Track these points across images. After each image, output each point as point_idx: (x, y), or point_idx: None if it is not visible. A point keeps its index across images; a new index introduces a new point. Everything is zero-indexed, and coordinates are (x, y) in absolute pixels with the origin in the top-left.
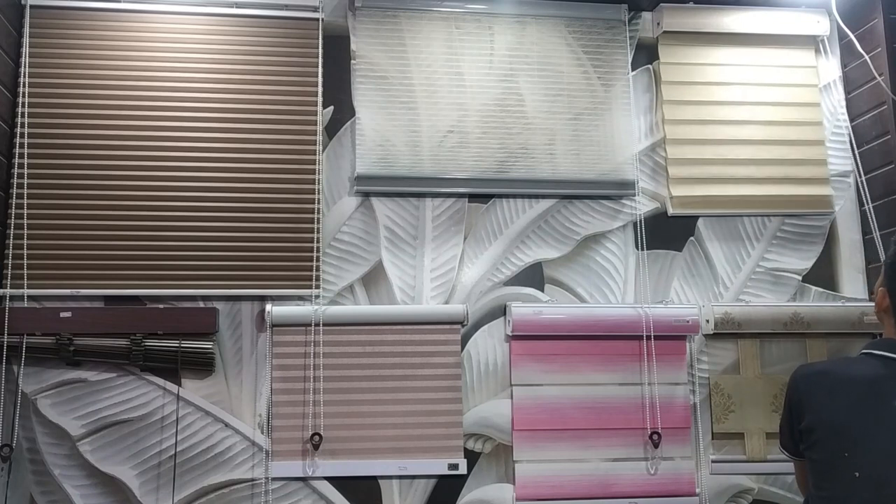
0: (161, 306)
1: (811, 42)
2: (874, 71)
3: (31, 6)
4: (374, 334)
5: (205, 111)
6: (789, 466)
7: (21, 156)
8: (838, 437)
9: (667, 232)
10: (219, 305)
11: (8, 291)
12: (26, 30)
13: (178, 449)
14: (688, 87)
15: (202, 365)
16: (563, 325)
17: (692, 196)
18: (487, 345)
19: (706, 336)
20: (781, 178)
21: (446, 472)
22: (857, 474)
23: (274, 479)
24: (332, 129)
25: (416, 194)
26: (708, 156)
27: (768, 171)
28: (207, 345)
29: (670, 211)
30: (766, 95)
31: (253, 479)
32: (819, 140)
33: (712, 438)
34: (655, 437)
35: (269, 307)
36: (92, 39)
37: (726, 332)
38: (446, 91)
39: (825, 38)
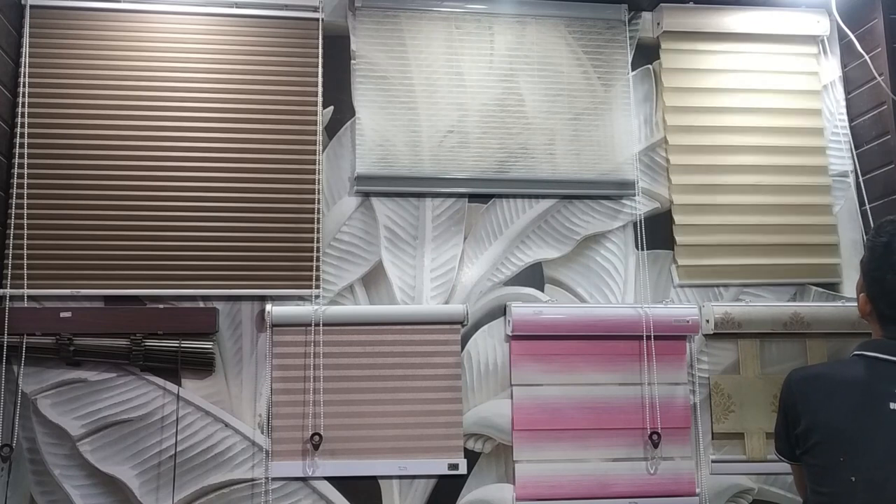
0: (161, 306)
1: (811, 42)
2: (874, 71)
3: (31, 6)
4: (374, 334)
5: (205, 111)
6: (789, 467)
7: (21, 156)
8: (835, 441)
9: (667, 232)
10: (219, 305)
11: (8, 291)
12: (26, 30)
13: (178, 449)
14: (689, 94)
15: (202, 365)
16: (563, 325)
17: (698, 266)
18: (487, 345)
19: (706, 336)
20: (791, 244)
21: (446, 472)
22: (853, 478)
23: (274, 479)
24: (332, 129)
25: (416, 194)
26: (714, 214)
27: (777, 238)
28: (207, 345)
29: (676, 281)
30: (767, 102)
31: (253, 479)
32: (827, 205)
33: (712, 438)
34: (655, 437)
35: (269, 307)
36: (92, 39)
37: (726, 332)
38: (446, 91)
39: (825, 38)
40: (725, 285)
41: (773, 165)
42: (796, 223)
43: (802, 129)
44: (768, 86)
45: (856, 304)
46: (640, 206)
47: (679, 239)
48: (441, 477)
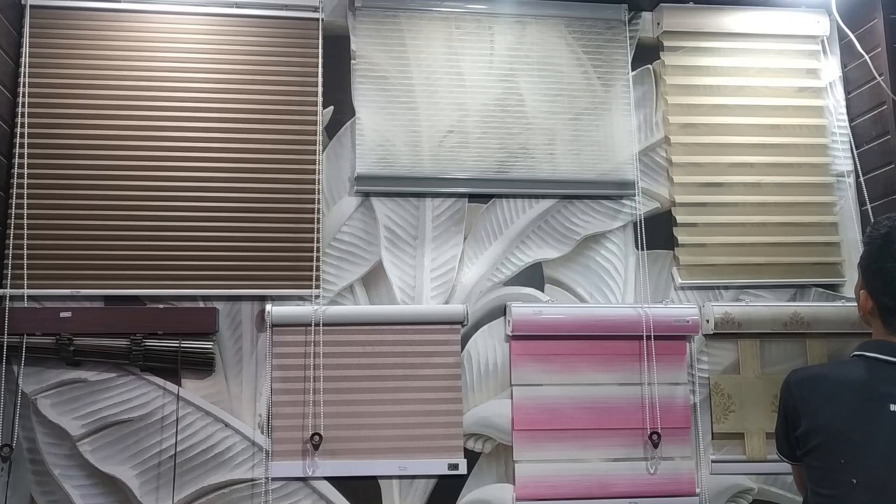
0: (161, 306)
1: (812, 42)
2: (874, 71)
3: (31, 6)
4: (374, 334)
5: (205, 111)
6: (789, 467)
7: (21, 156)
8: (835, 443)
9: (667, 232)
10: (219, 305)
11: (8, 291)
12: (26, 30)
13: (178, 449)
14: (691, 93)
15: (202, 365)
16: (563, 325)
17: (700, 266)
18: (487, 345)
19: (706, 336)
20: (793, 244)
21: (446, 472)
22: (854, 480)
23: (274, 479)
24: (332, 129)
25: (416, 194)
26: (715, 214)
27: (779, 237)
28: (207, 345)
29: (678, 282)
30: (768, 100)
31: (253, 479)
32: (829, 203)
33: (712, 438)
34: (655, 437)
35: (269, 307)
36: (92, 39)
37: (726, 332)
38: (446, 91)
39: (825, 38)
40: (726, 287)
41: (774, 164)
42: (798, 222)
43: (804, 126)
44: (769, 84)
45: (855, 304)
46: (640, 206)
47: (681, 238)
48: (441, 477)
